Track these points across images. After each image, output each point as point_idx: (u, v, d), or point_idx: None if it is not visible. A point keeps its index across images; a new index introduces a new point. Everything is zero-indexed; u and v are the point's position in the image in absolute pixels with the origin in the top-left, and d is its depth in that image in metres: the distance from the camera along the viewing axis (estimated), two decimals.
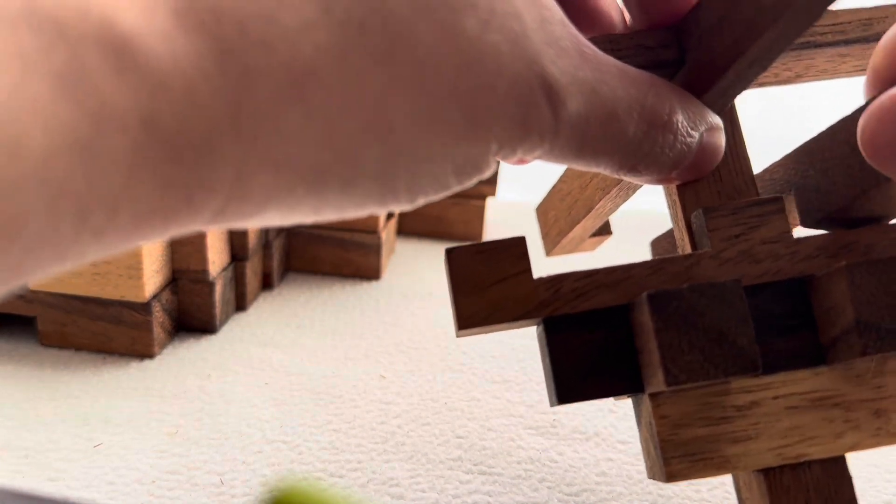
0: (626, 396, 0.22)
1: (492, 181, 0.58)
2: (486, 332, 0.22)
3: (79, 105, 0.11)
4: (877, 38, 0.24)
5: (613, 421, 0.36)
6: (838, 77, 0.26)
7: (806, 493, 0.21)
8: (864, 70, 0.24)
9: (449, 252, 0.20)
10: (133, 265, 0.38)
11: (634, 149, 0.19)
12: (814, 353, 0.21)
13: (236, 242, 0.45)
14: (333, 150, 0.15)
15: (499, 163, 0.19)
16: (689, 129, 0.20)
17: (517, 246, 0.21)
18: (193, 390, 0.37)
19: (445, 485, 0.31)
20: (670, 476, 0.20)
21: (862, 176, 0.20)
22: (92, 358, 0.40)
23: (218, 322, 0.43)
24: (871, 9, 0.25)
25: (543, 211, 0.35)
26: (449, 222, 0.59)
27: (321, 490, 0.13)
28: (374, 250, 0.51)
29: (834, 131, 0.21)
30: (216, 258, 0.43)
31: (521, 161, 0.23)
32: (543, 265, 0.27)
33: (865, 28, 0.24)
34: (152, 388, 0.37)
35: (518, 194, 0.67)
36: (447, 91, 0.15)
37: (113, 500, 0.29)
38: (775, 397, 0.21)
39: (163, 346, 0.41)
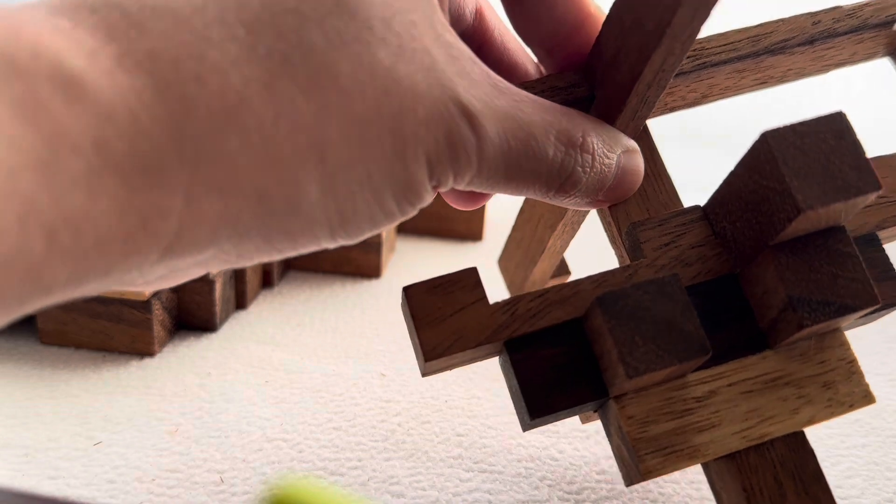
0: (593, 411, 0.23)
1: None
2: (452, 367, 0.23)
3: (37, 128, 0.13)
4: (766, 51, 0.27)
5: None
6: (742, 92, 0.28)
7: (773, 469, 0.22)
8: (764, 83, 0.27)
9: (406, 290, 0.22)
10: None
11: (557, 169, 0.21)
12: (757, 340, 0.23)
13: None
14: (273, 174, 0.16)
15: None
16: (605, 151, 0.22)
17: (470, 276, 0.22)
18: (193, 388, 0.37)
19: (446, 483, 0.31)
20: (646, 472, 0.21)
21: (761, 228, 0.22)
22: (92, 356, 0.40)
23: (218, 320, 0.43)
24: (757, 26, 0.27)
25: (505, 263, 0.36)
26: (450, 221, 0.59)
27: (321, 488, 0.13)
28: (375, 249, 0.51)
29: (730, 184, 0.23)
30: None
31: (456, 193, 0.25)
32: None
33: (755, 44, 0.26)
34: (152, 387, 0.37)
35: None
36: (373, 115, 0.17)
37: (113, 499, 0.29)
38: (730, 384, 0.22)
39: (163, 344, 0.41)
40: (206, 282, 0.42)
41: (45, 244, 0.13)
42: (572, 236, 0.32)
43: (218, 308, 0.43)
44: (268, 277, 0.49)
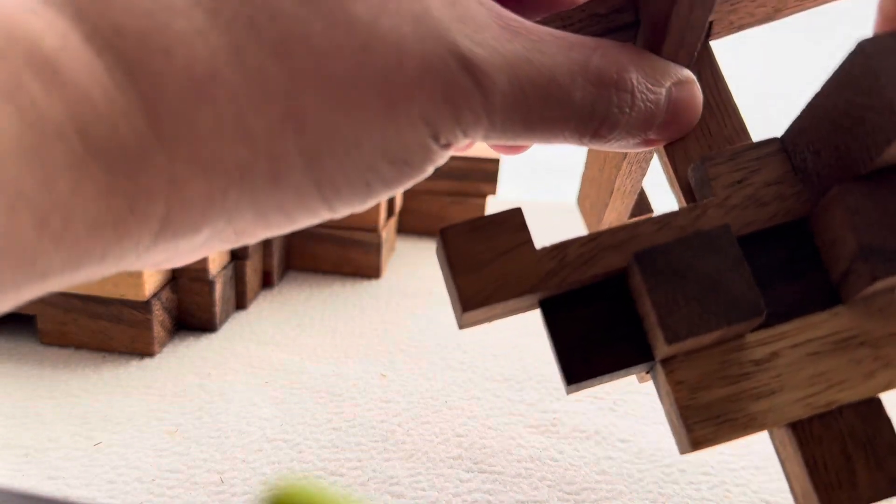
0: (644, 371, 0.21)
1: (492, 179, 0.58)
2: (492, 319, 0.21)
3: (21, 115, 0.12)
4: None
5: (614, 419, 0.36)
6: (822, 3, 0.24)
7: (841, 440, 0.19)
8: None
9: (443, 231, 0.19)
10: None
11: (588, 112, 0.19)
12: (827, 295, 0.20)
13: None
14: (252, 146, 0.15)
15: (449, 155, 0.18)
16: (649, 86, 0.20)
17: (514, 217, 0.20)
18: (193, 389, 0.37)
19: (445, 483, 0.31)
20: (695, 443, 0.19)
21: (851, 154, 0.19)
22: (92, 356, 0.40)
23: (218, 321, 0.43)
24: None
25: (581, 202, 0.34)
26: (450, 220, 0.59)
27: (321, 488, 0.13)
28: (375, 249, 0.51)
29: (813, 108, 0.20)
30: (216, 256, 0.43)
31: (472, 146, 0.22)
32: None
33: None
34: (152, 387, 0.37)
35: (518, 192, 0.67)
36: (353, 75, 0.16)
37: (113, 499, 0.29)
38: (794, 346, 0.20)
39: (163, 344, 0.41)
40: (206, 282, 0.42)
41: (36, 231, 0.13)
42: (642, 175, 0.28)
43: (218, 308, 0.43)
44: (268, 277, 0.49)
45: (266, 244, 0.49)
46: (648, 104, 0.20)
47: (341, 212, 0.18)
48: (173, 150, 0.14)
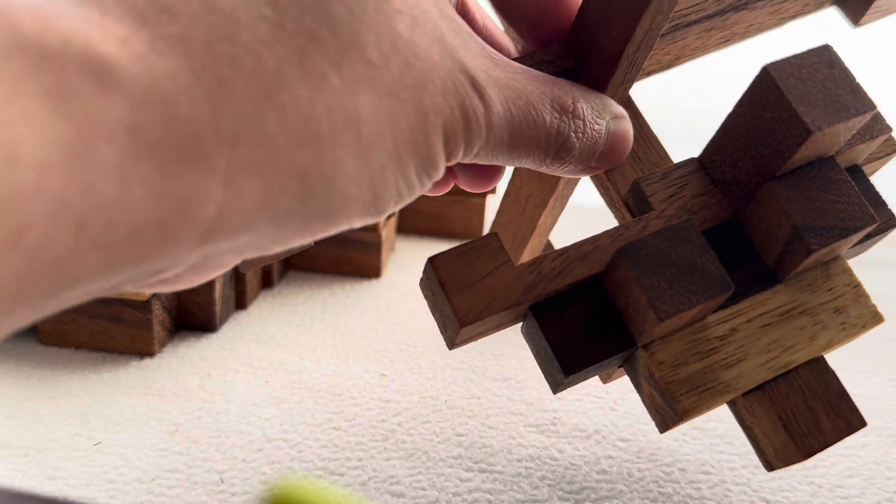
0: (618, 366, 0.24)
1: None
2: (480, 335, 0.23)
3: (68, 118, 0.12)
4: (731, 9, 0.28)
5: (614, 419, 0.36)
6: (709, 52, 0.30)
7: (803, 395, 0.23)
8: (728, 41, 0.29)
9: (431, 260, 0.22)
10: None
11: (555, 135, 0.21)
12: (766, 277, 0.24)
13: None
14: (312, 152, 0.16)
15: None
16: (595, 118, 0.22)
17: (492, 242, 0.22)
18: (193, 389, 0.37)
19: (446, 483, 0.31)
20: (684, 412, 0.22)
21: (767, 160, 0.23)
22: (92, 356, 0.40)
23: (218, 320, 0.43)
24: None
25: None
26: (449, 220, 0.59)
27: (321, 488, 0.13)
28: (375, 248, 0.51)
29: (729, 127, 0.24)
30: None
31: (469, 175, 0.26)
32: None
33: (719, 2, 0.28)
34: (152, 387, 0.37)
35: None
36: (397, 87, 0.17)
37: (113, 499, 0.29)
38: (748, 320, 0.23)
39: (163, 344, 0.41)
40: (206, 282, 0.42)
41: (74, 237, 0.13)
42: (561, 211, 0.33)
43: (218, 308, 0.43)
44: (268, 278, 0.49)
45: None
46: (595, 133, 0.22)
47: (366, 221, 0.19)
48: (233, 153, 0.15)
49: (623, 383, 0.40)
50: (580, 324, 0.22)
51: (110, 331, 0.40)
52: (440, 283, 0.21)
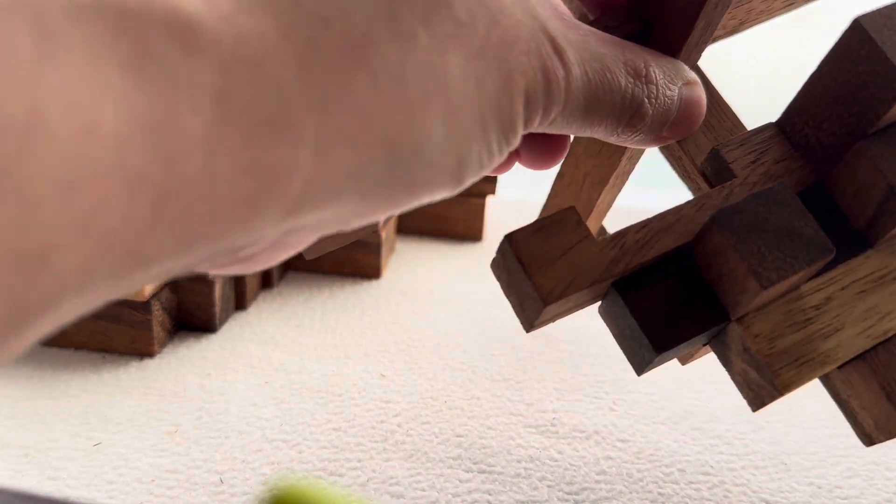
0: (703, 344, 0.23)
1: (492, 179, 0.58)
2: (561, 315, 0.22)
3: (150, 87, 0.11)
4: None
5: (613, 419, 0.36)
6: (774, 16, 0.29)
7: None
8: (793, 4, 0.28)
9: (508, 237, 0.21)
10: None
11: (629, 100, 0.20)
12: (854, 242, 0.23)
13: None
14: (403, 117, 0.15)
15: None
16: (668, 83, 0.21)
17: (571, 216, 0.21)
18: (193, 389, 0.37)
19: (445, 483, 0.31)
20: (784, 385, 0.21)
21: (857, 118, 0.22)
22: (91, 357, 0.40)
23: (218, 321, 0.43)
24: None
25: None
26: (449, 220, 0.59)
27: (321, 489, 0.13)
28: (375, 249, 0.51)
29: (812, 87, 0.23)
30: None
31: (534, 152, 0.24)
32: None
33: None
34: (152, 387, 0.37)
35: (518, 192, 0.67)
36: (484, 46, 0.16)
37: (112, 499, 0.29)
38: (843, 288, 0.22)
39: (162, 344, 0.41)
40: (205, 282, 0.42)
41: (150, 216, 0.12)
42: (620, 189, 0.31)
43: (218, 308, 0.43)
44: (268, 278, 0.49)
45: None
46: (667, 99, 0.21)
47: (451, 192, 0.18)
48: (323, 120, 0.14)
49: (623, 383, 0.40)
50: (667, 299, 0.21)
51: (110, 331, 0.40)
52: (519, 261, 0.20)
